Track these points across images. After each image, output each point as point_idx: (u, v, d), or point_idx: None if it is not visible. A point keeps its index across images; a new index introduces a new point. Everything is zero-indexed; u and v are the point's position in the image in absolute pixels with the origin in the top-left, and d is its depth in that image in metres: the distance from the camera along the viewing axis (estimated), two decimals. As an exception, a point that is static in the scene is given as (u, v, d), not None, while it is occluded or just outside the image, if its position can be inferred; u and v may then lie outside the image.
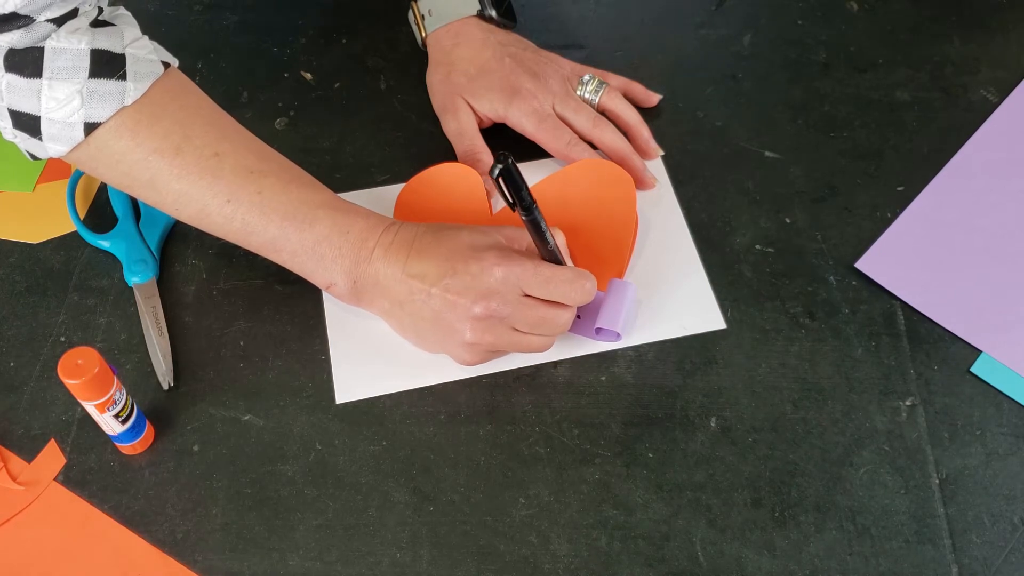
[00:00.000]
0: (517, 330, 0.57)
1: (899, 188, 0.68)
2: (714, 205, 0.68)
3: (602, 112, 0.70)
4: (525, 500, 0.56)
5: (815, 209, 0.67)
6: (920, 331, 0.62)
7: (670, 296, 0.63)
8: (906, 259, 0.64)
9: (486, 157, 0.68)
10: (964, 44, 0.76)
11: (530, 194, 0.52)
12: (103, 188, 0.69)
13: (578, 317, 0.60)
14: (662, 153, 0.70)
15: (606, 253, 0.64)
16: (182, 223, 0.66)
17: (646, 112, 0.72)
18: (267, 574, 0.54)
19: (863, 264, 0.64)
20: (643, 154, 0.69)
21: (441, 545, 0.54)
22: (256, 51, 0.76)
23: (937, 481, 0.56)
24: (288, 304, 0.63)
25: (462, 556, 0.54)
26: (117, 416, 0.54)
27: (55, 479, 0.57)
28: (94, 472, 0.57)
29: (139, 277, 0.64)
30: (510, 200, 0.52)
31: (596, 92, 0.69)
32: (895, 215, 0.67)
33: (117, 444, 0.57)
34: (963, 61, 0.75)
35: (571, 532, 0.55)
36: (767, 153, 0.70)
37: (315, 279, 0.59)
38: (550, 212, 0.57)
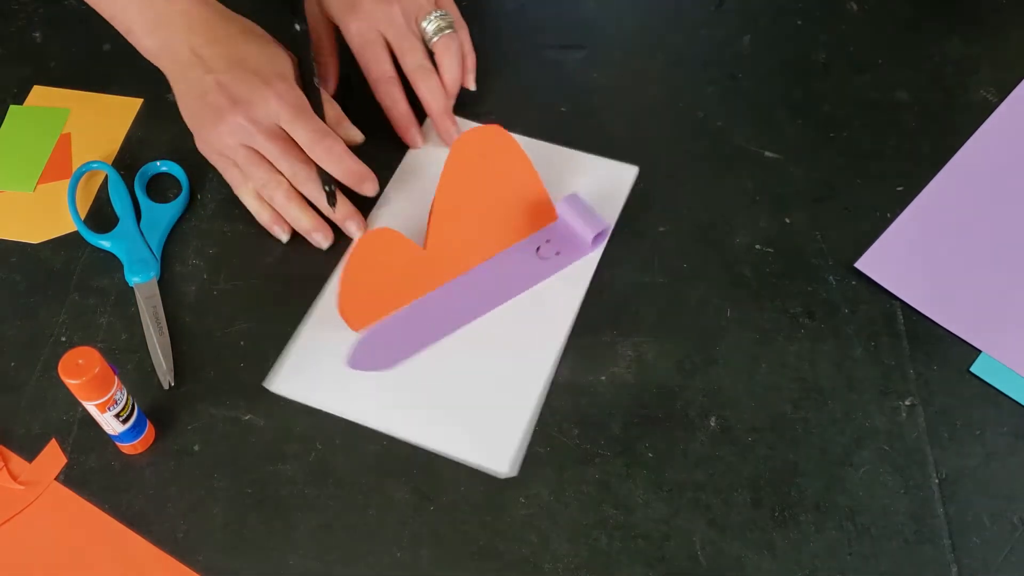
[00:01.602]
0: (260, 154, 0.62)
1: (899, 188, 0.68)
2: (714, 205, 0.68)
3: (432, 55, 0.68)
4: (525, 500, 0.56)
5: (815, 209, 0.67)
6: (920, 331, 0.62)
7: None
8: (906, 259, 0.64)
9: (328, 72, 0.71)
10: (964, 44, 0.76)
11: (302, 21, 0.60)
12: (104, 188, 0.69)
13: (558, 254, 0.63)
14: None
15: (529, 210, 0.65)
16: (183, 223, 0.67)
17: (638, 113, 0.72)
18: (267, 574, 0.54)
19: (863, 264, 0.64)
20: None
21: (441, 545, 0.54)
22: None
23: (937, 481, 0.56)
24: (288, 304, 0.63)
25: (462, 556, 0.54)
26: (118, 416, 0.54)
27: (56, 479, 0.57)
28: (95, 472, 0.57)
29: (140, 277, 0.64)
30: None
31: (434, 34, 0.68)
32: (895, 215, 0.67)
33: (118, 444, 0.57)
34: (963, 61, 0.75)
35: (571, 532, 0.55)
36: (767, 153, 0.70)
37: (119, 25, 0.64)
38: (464, 202, 0.61)
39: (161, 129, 0.71)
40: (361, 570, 0.54)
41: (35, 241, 0.66)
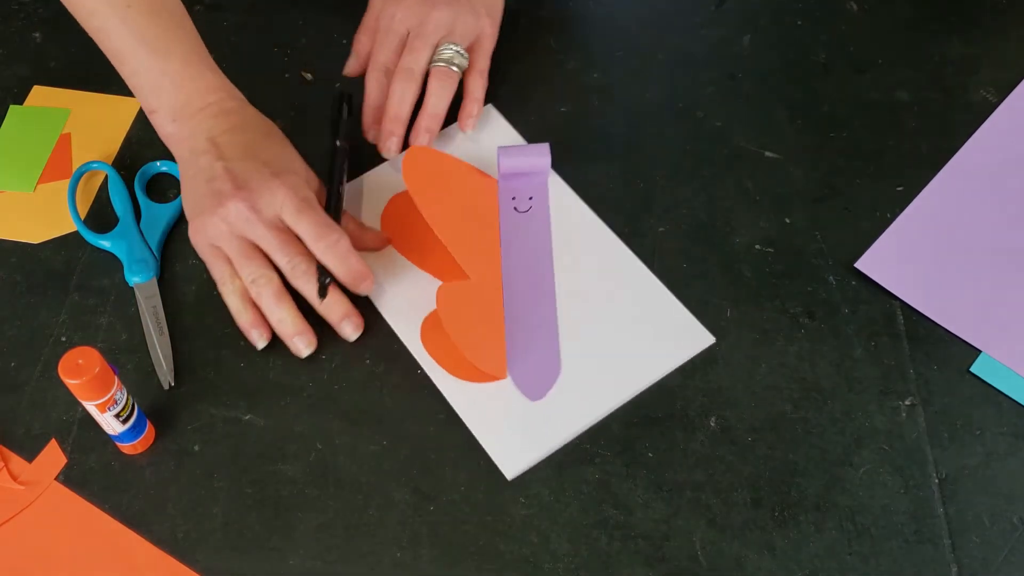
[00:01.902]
0: (256, 248, 0.59)
1: (899, 188, 0.68)
2: (714, 205, 0.68)
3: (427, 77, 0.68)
4: (525, 500, 0.56)
5: (815, 209, 0.67)
6: (920, 331, 0.62)
7: (647, 331, 0.61)
8: (906, 259, 0.64)
9: (361, 48, 0.71)
10: (964, 44, 0.76)
11: (345, 140, 0.64)
12: (104, 188, 0.69)
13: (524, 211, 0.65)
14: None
15: (486, 193, 0.66)
16: (183, 223, 0.67)
17: (648, 113, 0.72)
18: (267, 574, 0.54)
19: (863, 264, 0.64)
20: (411, 136, 0.68)
21: (441, 545, 0.54)
22: (256, 51, 0.76)
23: (937, 481, 0.56)
24: (288, 304, 0.63)
25: (462, 556, 0.54)
26: (118, 416, 0.54)
27: (56, 479, 0.57)
28: (95, 472, 0.57)
29: (140, 277, 0.64)
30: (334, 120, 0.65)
31: (438, 62, 0.67)
32: (895, 215, 0.67)
33: (118, 444, 0.57)
34: (963, 61, 0.75)
35: (571, 532, 0.55)
36: (767, 153, 0.70)
37: (142, 100, 0.63)
38: (449, 218, 0.62)
39: (161, 129, 0.71)
40: (361, 570, 0.54)
41: (35, 241, 0.66)
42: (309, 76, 0.75)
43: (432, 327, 0.61)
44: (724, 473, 0.57)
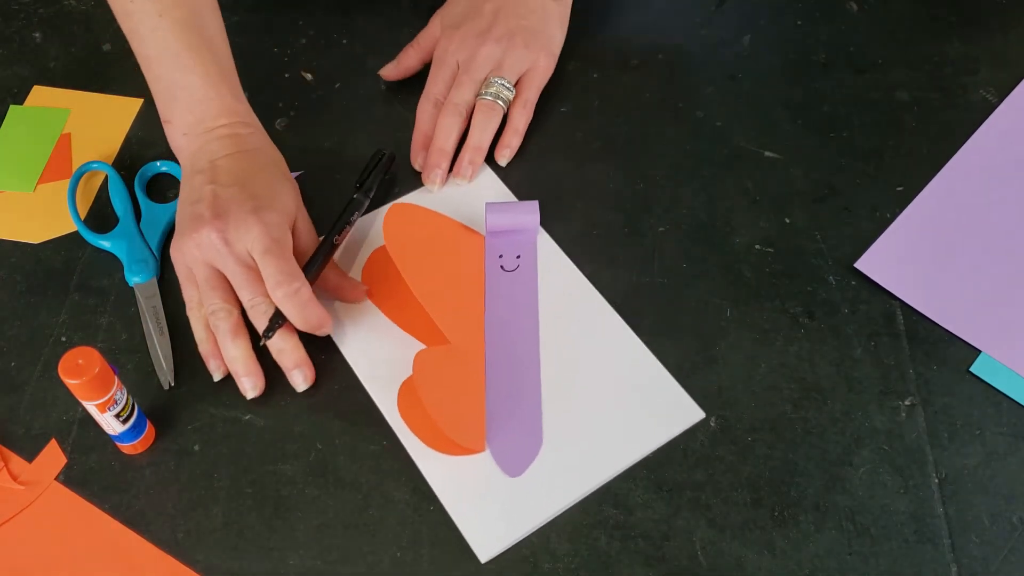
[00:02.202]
0: (224, 279, 0.59)
1: (899, 188, 0.68)
2: (714, 205, 0.68)
3: (471, 110, 0.69)
4: (525, 500, 0.56)
5: (815, 209, 0.67)
6: (919, 331, 0.62)
7: (635, 404, 0.59)
8: (906, 259, 0.64)
9: (405, 61, 0.73)
10: (964, 44, 0.76)
11: (364, 193, 0.64)
12: (104, 188, 0.69)
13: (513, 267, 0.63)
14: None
15: (472, 250, 0.64)
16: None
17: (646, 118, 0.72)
18: (267, 573, 0.54)
19: (863, 264, 0.64)
20: (455, 170, 0.68)
21: (441, 545, 0.54)
22: (256, 51, 0.76)
23: (936, 481, 0.56)
24: (288, 304, 0.63)
25: (462, 556, 0.54)
26: (118, 416, 0.54)
27: (56, 479, 0.57)
28: (95, 472, 0.57)
29: (140, 277, 0.64)
30: (367, 169, 0.65)
31: (485, 95, 0.68)
32: (895, 215, 0.67)
33: (118, 444, 0.57)
34: (963, 61, 0.75)
35: (571, 532, 0.55)
36: (767, 153, 0.70)
37: (159, 108, 0.64)
38: (431, 277, 0.60)
39: (161, 129, 0.71)
40: (361, 570, 0.54)
41: (35, 241, 0.66)
42: (309, 76, 0.75)
43: (409, 394, 0.58)
44: (724, 473, 0.57)
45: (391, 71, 0.73)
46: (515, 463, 0.56)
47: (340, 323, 0.62)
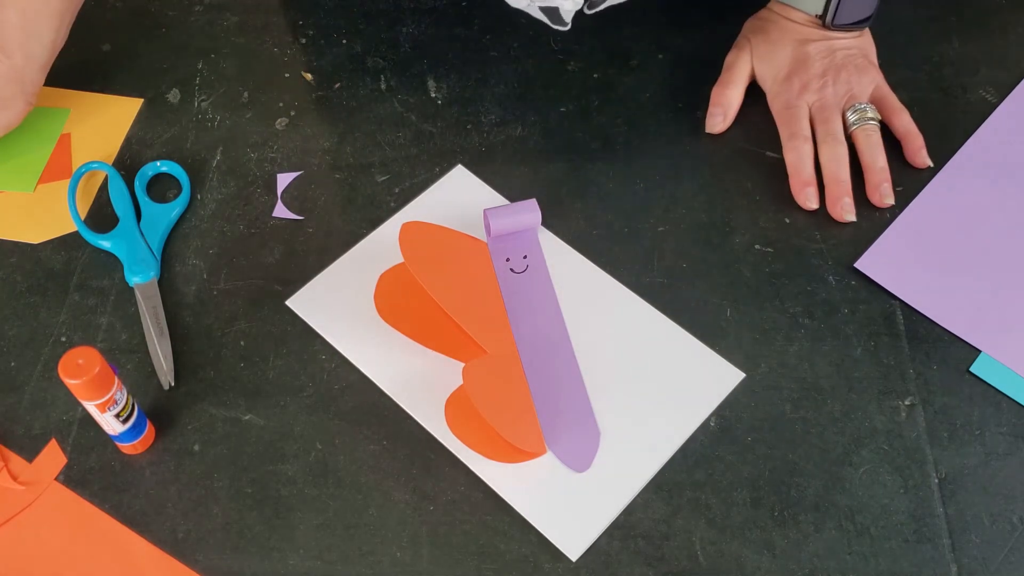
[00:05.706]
0: None
1: (898, 188, 0.68)
2: (714, 205, 0.68)
3: (849, 137, 0.69)
4: (525, 500, 0.56)
5: (815, 209, 0.67)
6: (919, 331, 0.62)
7: (677, 377, 0.60)
8: (905, 259, 0.64)
9: (728, 92, 0.72)
10: (964, 44, 0.76)
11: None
12: (104, 188, 0.69)
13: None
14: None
15: (481, 260, 0.63)
16: (183, 223, 0.67)
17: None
18: (267, 573, 0.54)
19: (862, 264, 0.64)
20: (872, 197, 0.68)
21: (441, 545, 0.54)
22: (256, 51, 0.76)
23: (936, 481, 0.56)
24: (288, 304, 0.63)
25: (462, 556, 0.54)
26: (118, 416, 0.54)
27: (56, 479, 0.57)
28: (95, 472, 0.57)
29: (140, 277, 0.64)
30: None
31: (853, 125, 0.69)
32: (895, 215, 0.67)
33: (118, 444, 0.57)
34: (963, 61, 0.75)
35: (571, 532, 0.55)
36: (767, 153, 0.70)
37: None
38: (451, 289, 0.59)
39: (161, 129, 0.71)
40: (361, 569, 0.54)
41: (35, 241, 0.67)
42: (309, 76, 0.75)
43: (457, 408, 0.58)
44: (724, 473, 0.57)
45: (720, 124, 0.71)
46: (580, 459, 0.57)
47: (360, 350, 0.61)
